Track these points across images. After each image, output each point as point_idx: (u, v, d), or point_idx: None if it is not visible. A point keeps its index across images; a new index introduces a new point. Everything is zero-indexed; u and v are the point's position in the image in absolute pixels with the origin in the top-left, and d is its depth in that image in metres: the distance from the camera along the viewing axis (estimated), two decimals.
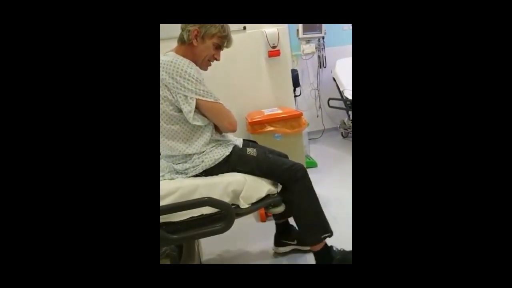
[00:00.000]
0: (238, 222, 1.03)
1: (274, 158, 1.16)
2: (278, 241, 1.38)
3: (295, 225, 1.18)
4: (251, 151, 1.14)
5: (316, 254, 1.15)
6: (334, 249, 1.17)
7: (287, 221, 1.37)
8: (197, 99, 1.03)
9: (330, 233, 1.13)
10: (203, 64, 1.14)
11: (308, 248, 1.25)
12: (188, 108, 1.03)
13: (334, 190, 2.01)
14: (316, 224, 1.12)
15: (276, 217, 1.35)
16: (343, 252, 1.17)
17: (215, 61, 1.17)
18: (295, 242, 1.36)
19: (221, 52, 1.18)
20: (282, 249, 1.37)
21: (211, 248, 1.51)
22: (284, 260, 1.37)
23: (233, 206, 1.03)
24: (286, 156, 1.30)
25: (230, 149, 1.12)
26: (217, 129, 1.14)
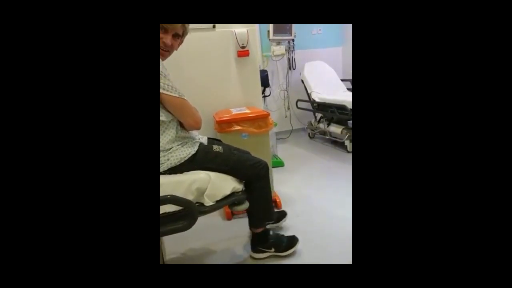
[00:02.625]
0: (203, 220, 1.03)
1: (239, 155, 1.20)
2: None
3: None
4: (217, 148, 1.16)
5: (256, 234, 1.35)
6: (271, 233, 1.37)
7: None
8: (160, 93, 1.02)
9: (273, 220, 1.38)
10: None
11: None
12: None
13: (299, 188, 2.07)
14: (265, 216, 1.31)
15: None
16: (276, 236, 1.38)
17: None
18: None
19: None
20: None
21: (175, 247, 1.50)
22: (252, 261, 1.39)
23: (197, 204, 1.04)
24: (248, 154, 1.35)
25: (196, 147, 1.12)
26: (182, 125, 1.14)
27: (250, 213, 1.29)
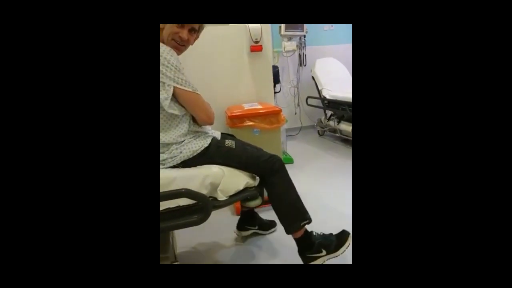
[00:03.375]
0: (213, 215, 1.03)
1: (252, 151, 1.18)
2: (241, 226, 1.50)
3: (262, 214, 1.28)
4: (229, 143, 1.15)
5: (298, 240, 1.19)
6: (314, 233, 1.22)
7: (253, 210, 1.48)
8: (174, 87, 1.02)
9: (309, 220, 1.18)
10: (169, 44, 1.09)
11: (267, 232, 1.51)
12: (165, 95, 1.01)
13: (308, 185, 2.06)
14: (295, 213, 1.16)
15: (244, 206, 1.45)
16: (323, 236, 1.22)
17: (183, 43, 1.11)
18: (256, 227, 1.51)
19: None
20: (244, 233, 1.51)
21: (186, 241, 1.51)
22: (261, 255, 1.39)
23: (210, 199, 1.04)
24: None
25: (208, 140, 1.11)
26: (195, 120, 1.14)
27: (278, 215, 1.17)
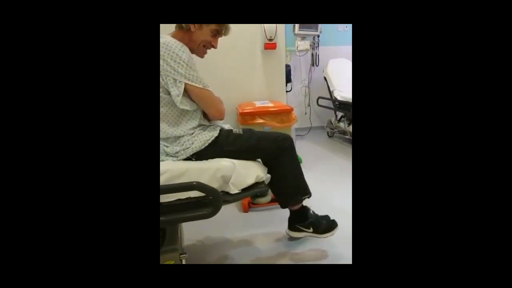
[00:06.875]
0: (220, 210, 1.03)
1: (259, 132, 1.20)
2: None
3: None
4: (236, 130, 1.17)
5: (294, 212, 1.29)
6: (311, 212, 1.31)
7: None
8: (185, 84, 1.03)
9: (309, 194, 1.26)
10: (199, 50, 1.14)
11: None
12: (176, 92, 1.03)
13: (316, 186, 2.02)
14: (298, 188, 1.23)
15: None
16: (316, 216, 1.32)
17: (211, 48, 1.17)
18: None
19: (218, 40, 1.18)
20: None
21: (192, 235, 1.52)
22: (265, 253, 1.40)
23: (221, 193, 1.04)
24: None
25: (217, 130, 1.13)
26: (205, 115, 1.15)
27: (280, 193, 1.21)
